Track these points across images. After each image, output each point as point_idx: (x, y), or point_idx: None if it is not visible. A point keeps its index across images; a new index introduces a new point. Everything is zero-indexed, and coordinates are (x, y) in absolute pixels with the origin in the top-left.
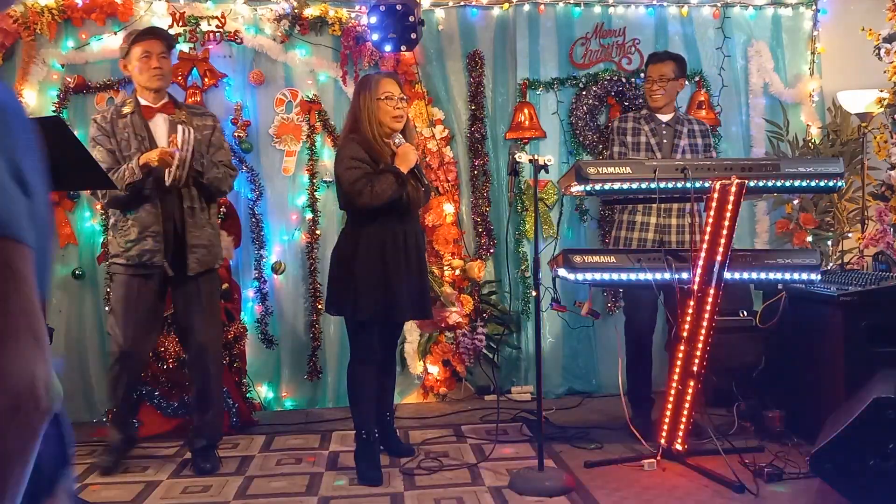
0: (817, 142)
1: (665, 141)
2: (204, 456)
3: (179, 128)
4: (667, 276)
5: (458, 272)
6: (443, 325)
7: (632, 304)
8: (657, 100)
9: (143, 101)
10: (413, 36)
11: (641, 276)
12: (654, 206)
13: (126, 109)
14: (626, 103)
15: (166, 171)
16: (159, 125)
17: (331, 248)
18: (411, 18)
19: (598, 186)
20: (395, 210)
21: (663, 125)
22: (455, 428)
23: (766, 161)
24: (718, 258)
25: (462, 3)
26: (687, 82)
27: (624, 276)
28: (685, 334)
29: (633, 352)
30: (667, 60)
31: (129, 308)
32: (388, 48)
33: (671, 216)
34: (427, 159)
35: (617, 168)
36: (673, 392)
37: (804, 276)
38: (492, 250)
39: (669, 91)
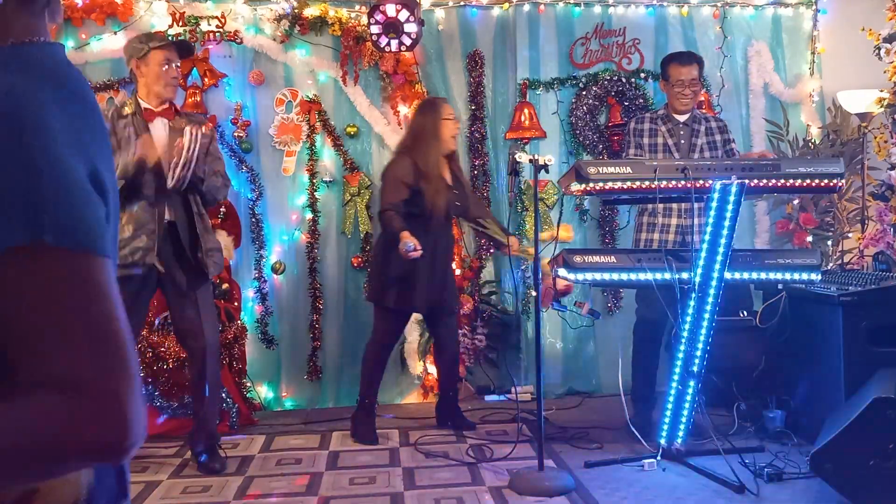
0: (817, 142)
1: (683, 141)
2: (211, 456)
3: (187, 129)
4: (667, 275)
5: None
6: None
7: (644, 304)
8: (687, 104)
9: (143, 104)
10: (413, 36)
11: (642, 275)
12: (675, 206)
13: (127, 110)
14: (627, 103)
15: (170, 171)
16: (158, 128)
17: (331, 248)
18: (411, 18)
19: (598, 186)
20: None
21: (681, 125)
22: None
23: (766, 161)
24: (718, 258)
25: (462, 3)
26: None
27: (624, 276)
28: (685, 334)
29: (642, 351)
30: (693, 63)
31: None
32: (388, 48)
33: (691, 216)
34: None
35: (617, 168)
36: (673, 392)
37: (804, 276)
38: (492, 250)
39: (697, 94)
